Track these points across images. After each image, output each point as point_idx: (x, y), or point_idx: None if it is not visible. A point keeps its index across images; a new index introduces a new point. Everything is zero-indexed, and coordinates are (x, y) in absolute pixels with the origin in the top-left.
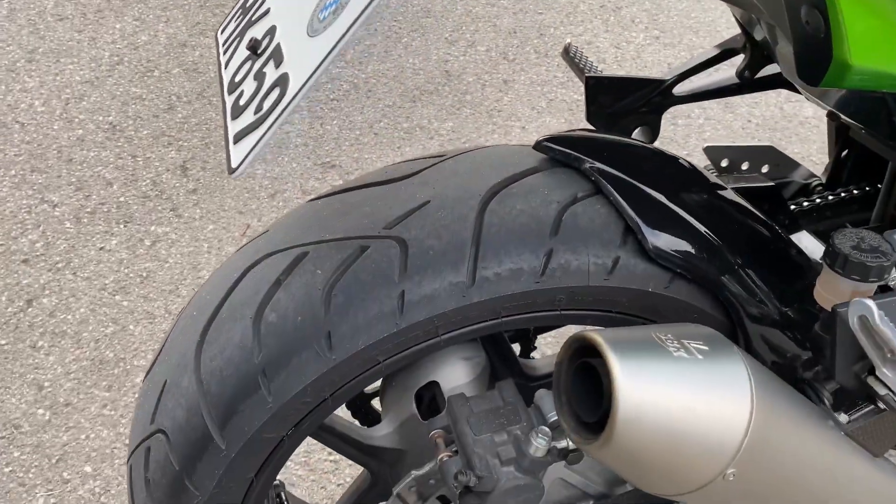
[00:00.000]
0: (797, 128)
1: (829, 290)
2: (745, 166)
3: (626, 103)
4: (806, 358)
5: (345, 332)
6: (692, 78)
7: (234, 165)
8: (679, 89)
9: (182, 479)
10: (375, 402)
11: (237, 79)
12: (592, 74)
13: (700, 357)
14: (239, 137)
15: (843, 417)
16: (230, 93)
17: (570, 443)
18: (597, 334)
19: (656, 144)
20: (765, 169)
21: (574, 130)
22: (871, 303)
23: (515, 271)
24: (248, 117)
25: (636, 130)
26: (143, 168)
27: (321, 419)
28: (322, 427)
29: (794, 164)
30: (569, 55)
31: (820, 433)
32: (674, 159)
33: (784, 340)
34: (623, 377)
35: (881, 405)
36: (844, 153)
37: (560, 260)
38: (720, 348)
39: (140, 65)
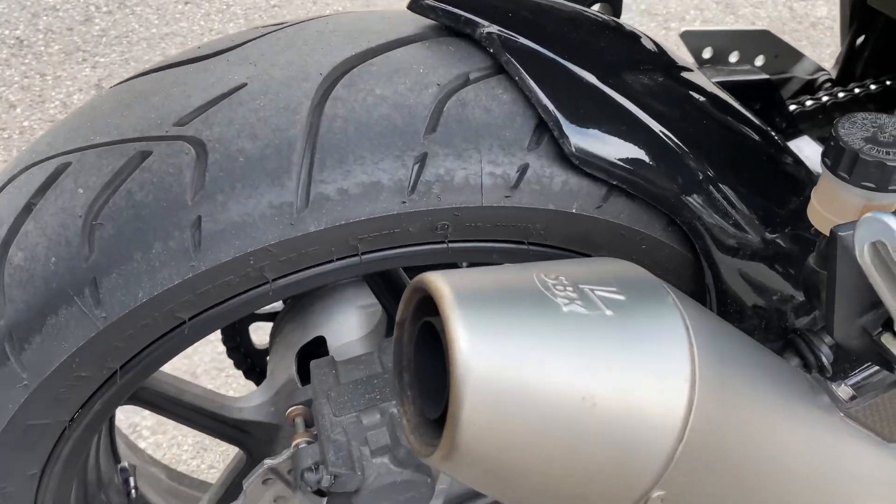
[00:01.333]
0: (808, 30)
1: (828, 206)
2: (734, 57)
3: None
4: (799, 301)
5: (116, 279)
6: None
7: None
8: None
9: None
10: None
11: None
12: None
13: (609, 313)
14: None
15: (844, 391)
16: None
17: None
18: (440, 277)
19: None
20: (759, 61)
21: None
22: (891, 220)
23: (371, 186)
24: None
25: (594, 7)
26: (52, 88)
27: (118, 398)
28: (168, 399)
29: (797, 55)
30: None
31: (808, 421)
32: (620, 30)
33: (770, 277)
34: (469, 348)
35: None
36: (861, 39)
37: (439, 169)
38: (644, 299)
39: None
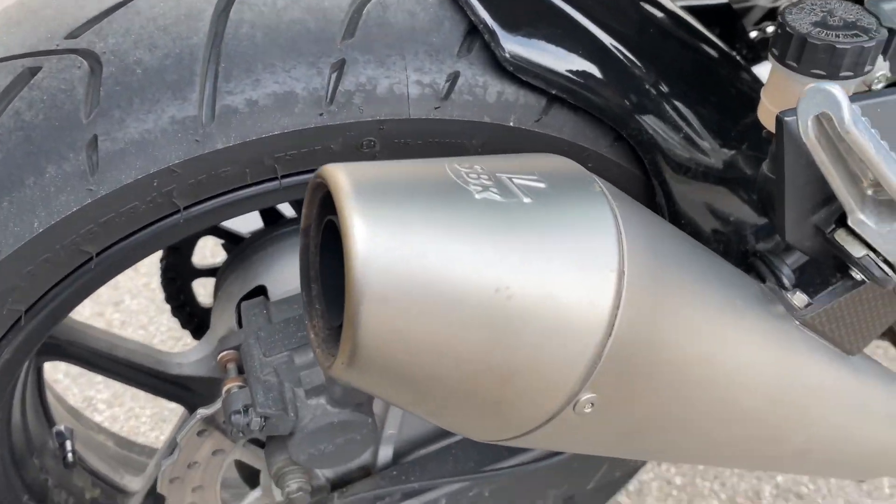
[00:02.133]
0: None
1: (778, 101)
2: None
3: None
4: (761, 224)
5: (8, 209)
6: None
7: None
8: None
9: None
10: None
11: None
12: None
13: (527, 200)
14: None
15: (799, 298)
16: None
17: None
18: (339, 167)
19: None
20: None
21: None
22: (836, 90)
23: (284, 97)
24: None
25: None
26: None
27: (30, 345)
28: (97, 354)
29: None
30: None
31: (758, 328)
32: None
33: (726, 200)
34: (365, 238)
35: (856, 275)
36: None
37: (359, 77)
38: (568, 186)
39: None
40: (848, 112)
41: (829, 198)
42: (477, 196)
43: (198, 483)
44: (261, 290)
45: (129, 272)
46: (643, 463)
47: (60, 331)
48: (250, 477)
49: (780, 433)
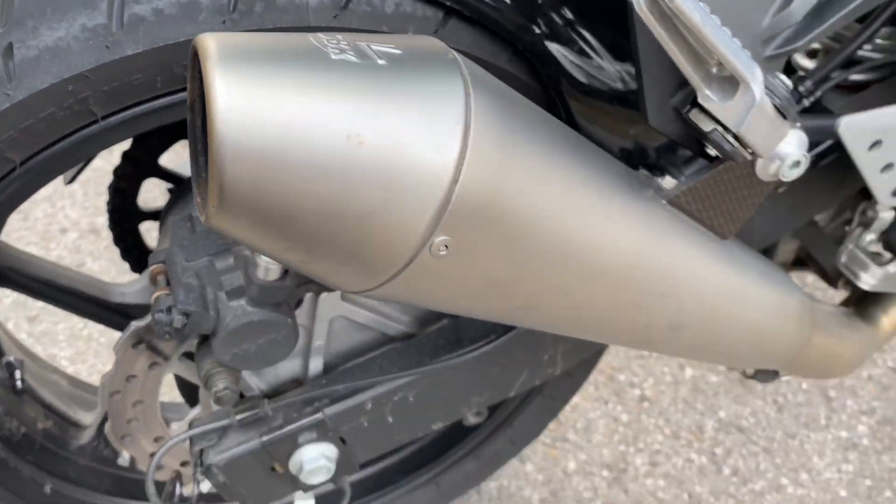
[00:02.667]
0: None
1: None
2: None
3: None
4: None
5: None
6: None
7: None
8: None
9: None
10: None
11: None
12: None
13: (381, 62)
14: None
15: (668, 181)
16: None
17: None
18: (207, 35)
19: None
20: None
21: None
22: None
23: (188, 5)
24: None
25: None
26: None
27: None
28: (42, 282)
29: None
30: None
31: (613, 193)
32: None
33: (625, 113)
34: (224, 86)
35: (711, 151)
36: None
37: None
38: (422, 54)
39: None
40: None
41: (684, 81)
42: (333, 57)
43: (137, 397)
44: None
45: (90, 236)
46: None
47: (4, 258)
48: (191, 397)
49: (647, 304)
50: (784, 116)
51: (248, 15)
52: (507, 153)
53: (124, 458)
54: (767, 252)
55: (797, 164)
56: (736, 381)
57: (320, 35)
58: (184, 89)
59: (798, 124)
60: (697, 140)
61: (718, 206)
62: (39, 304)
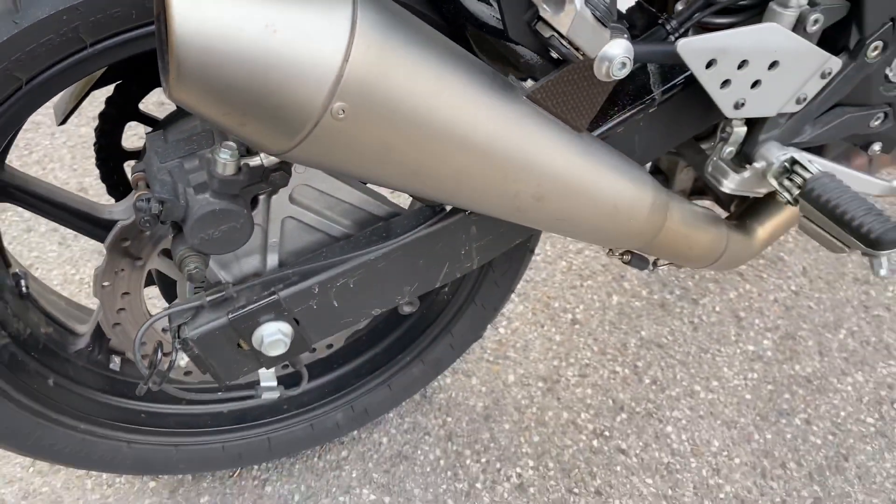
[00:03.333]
0: None
1: None
2: None
3: None
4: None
5: None
6: None
7: None
8: None
9: None
10: None
11: None
12: None
13: None
14: None
15: (529, 83)
16: None
17: (264, 158)
18: None
19: None
20: None
21: None
22: None
23: None
24: None
25: None
26: None
27: None
28: (43, 200)
29: None
30: None
31: (480, 86)
32: None
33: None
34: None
35: (554, 55)
36: None
37: None
38: None
39: None
40: None
41: (530, 2)
42: None
43: (125, 289)
44: None
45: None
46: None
47: (9, 177)
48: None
49: (512, 175)
50: (604, 25)
51: None
52: (386, 45)
53: (115, 364)
54: (669, 179)
55: (623, 65)
56: (657, 305)
57: None
58: (152, 23)
59: (624, 35)
60: (545, 47)
61: (568, 102)
62: (34, 254)
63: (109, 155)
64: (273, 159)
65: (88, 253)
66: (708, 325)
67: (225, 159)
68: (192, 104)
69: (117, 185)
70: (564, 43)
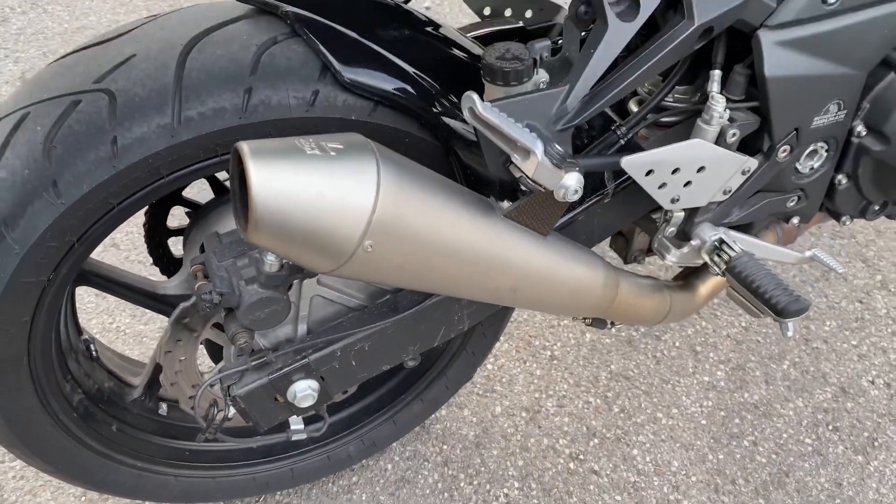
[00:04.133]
0: None
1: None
2: (508, 13)
3: None
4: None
5: (68, 179)
6: None
7: None
8: None
9: None
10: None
11: None
12: None
13: (332, 154)
14: None
15: (505, 205)
16: None
17: None
18: (243, 142)
19: None
20: (528, 14)
21: None
22: (473, 94)
23: (218, 110)
24: None
25: None
26: None
27: (78, 263)
28: (112, 281)
29: (557, 7)
30: None
31: (468, 215)
32: (380, 4)
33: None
34: (254, 170)
35: (523, 188)
36: None
37: (261, 96)
38: (355, 146)
39: None
40: (480, 107)
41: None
42: (308, 151)
43: (182, 355)
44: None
45: (112, 249)
46: (487, 344)
47: (88, 264)
48: (217, 360)
49: (494, 275)
50: (559, 167)
51: (254, 113)
52: (402, 197)
53: (163, 409)
54: (629, 241)
55: (576, 192)
56: (624, 341)
57: (301, 139)
58: (214, 156)
59: (575, 169)
60: (516, 181)
61: (536, 217)
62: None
63: (157, 232)
64: None
65: (122, 304)
66: (669, 359)
67: (271, 261)
68: (263, 244)
69: (161, 257)
70: (530, 182)
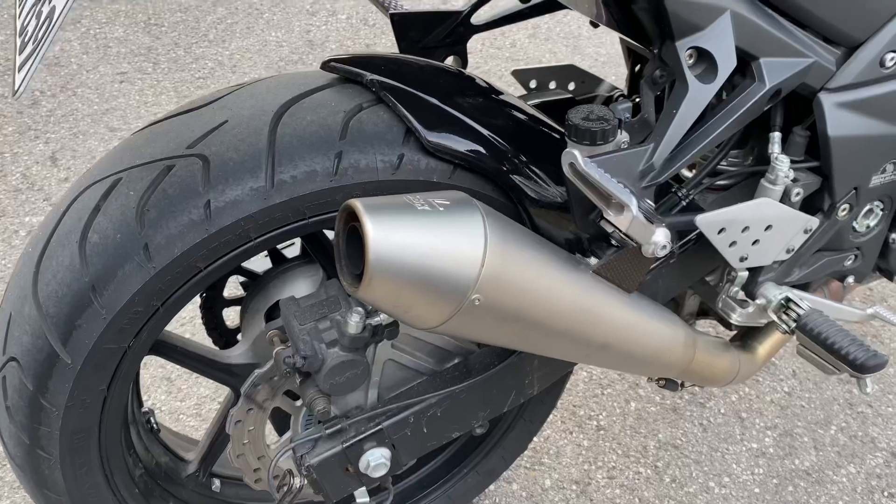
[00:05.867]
0: (602, 67)
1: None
2: (552, 85)
3: (432, 36)
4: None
5: (160, 242)
6: (487, 7)
7: (16, 88)
8: (476, 18)
9: (37, 398)
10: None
11: (25, 23)
12: (396, 11)
13: (441, 210)
14: (21, 66)
15: (593, 261)
16: (20, 35)
17: (383, 318)
18: (356, 200)
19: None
20: (571, 86)
21: (361, 52)
22: (575, 150)
23: (310, 173)
24: (28, 48)
25: (447, 60)
26: (10, 163)
27: (158, 329)
28: (179, 351)
29: (598, 80)
30: None
31: (563, 270)
32: (453, 72)
33: (560, 216)
34: (371, 225)
35: (614, 242)
36: (637, 66)
37: (350, 160)
38: (460, 203)
39: None
40: (582, 161)
41: (594, 205)
42: (418, 208)
43: (252, 426)
44: (275, 305)
45: None
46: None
47: (163, 336)
48: (281, 429)
49: (586, 333)
50: (651, 222)
51: (344, 176)
52: (507, 251)
53: (216, 486)
54: (679, 305)
55: (664, 247)
56: (670, 409)
57: (409, 196)
58: (303, 218)
59: (663, 225)
60: (606, 236)
61: (622, 274)
62: None
63: (213, 304)
64: (389, 318)
65: (158, 381)
66: (715, 426)
67: (355, 321)
68: (374, 299)
69: (216, 327)
70: (622, 236)
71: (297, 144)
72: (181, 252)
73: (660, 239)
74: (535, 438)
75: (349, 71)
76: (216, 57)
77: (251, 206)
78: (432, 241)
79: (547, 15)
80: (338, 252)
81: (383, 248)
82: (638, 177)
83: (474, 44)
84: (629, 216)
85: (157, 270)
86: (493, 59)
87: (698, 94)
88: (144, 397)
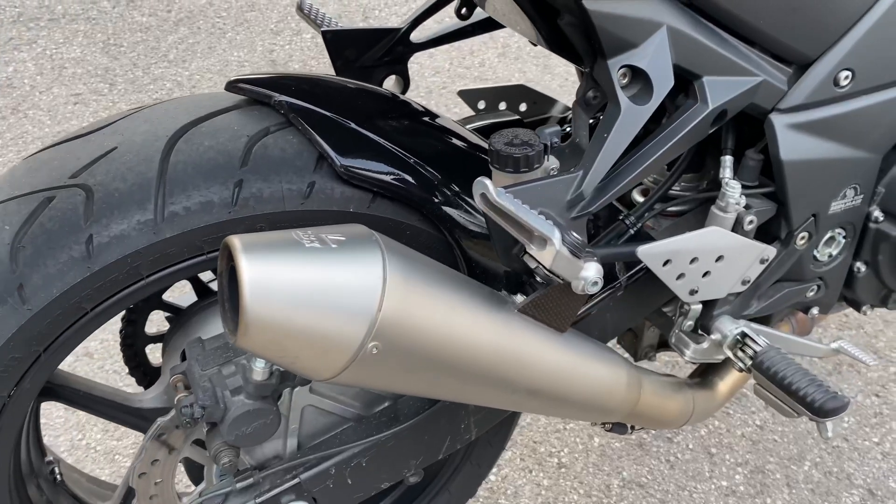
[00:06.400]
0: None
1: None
2: (502, 106)
3: (369, 55)
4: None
5: (37, 282)
6: (426, 24)
7: None
8: (416, 36)
9: None
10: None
11: None
12: (328, 28)
13: (334, 246)
14: None
15: (518, 298)
16: None
17: None
18: (234, 236)
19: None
20: (523, 107)
21: (271, 72)
22: (486, 180)
23: (206, 204)
24: None
25: (387, 80)
26: None
27: (44, 376)
28: (82, 395)
29: (551, 101)
30: (303, 11)
31: (481, 310)
32: (377, 93)
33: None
34: (247, 265)
35: (538, 279)
36: None
37: (252, 189)
38: (357, 238)
39: None
40: (494, 193)
41: (515, 239)
42: (307, 245)
43: (158, 478)
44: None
45: (84, 358)
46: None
47: (54, 377)
48: (197, 479)
49: (510, 377)
50: (578, 256)
51: (245, 207)
52: (411, 293)
53: None
54: (638, 337)
55: (595, 283)
56: (635, 445)
57: (298, 232)
58: (200, 253)
59: (594, 259)
60: (532, 271)
61: (552, 312)
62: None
63: (134, 339)
64: None
65: (94, 419)
66: (683, 463)
67: (260, 367)
68: (254, 350)
69: (138, 366)
70: (547, 272)
71: (192, 172)
72: (60, 292)
73: (590, 274)
74: (491, 477)
75: (256, 92)
76: (175, 77)
77: (139, 240)
78: (320, 283)
79: (517, 34)
80: (220, 294)
81: (260, 292)
82: (566, 206)
83: (441, 62)
84: (552, 251)
85: (33, 313)
86: (460, 79)
87: (632, 117)
88: (77, 436)
